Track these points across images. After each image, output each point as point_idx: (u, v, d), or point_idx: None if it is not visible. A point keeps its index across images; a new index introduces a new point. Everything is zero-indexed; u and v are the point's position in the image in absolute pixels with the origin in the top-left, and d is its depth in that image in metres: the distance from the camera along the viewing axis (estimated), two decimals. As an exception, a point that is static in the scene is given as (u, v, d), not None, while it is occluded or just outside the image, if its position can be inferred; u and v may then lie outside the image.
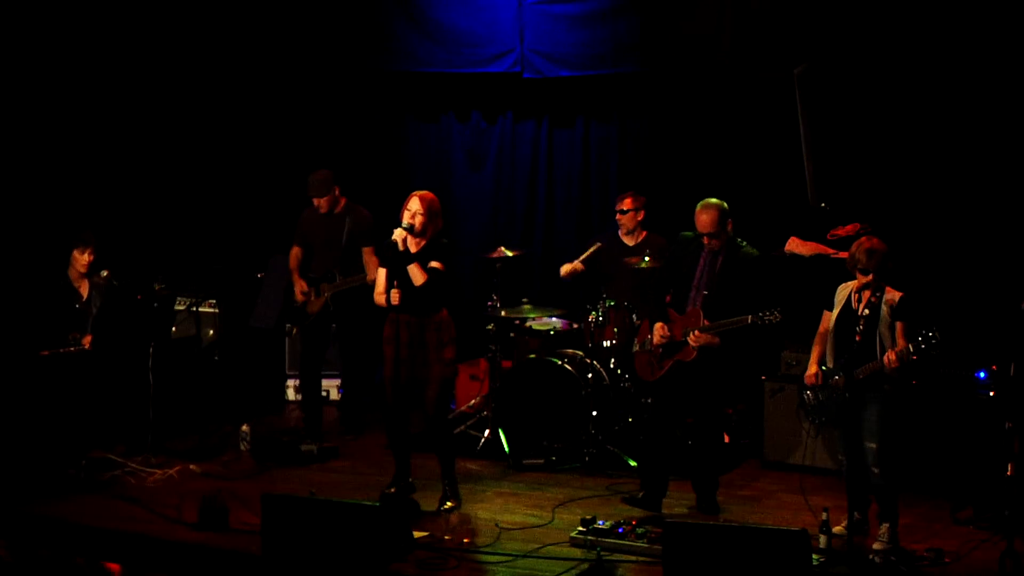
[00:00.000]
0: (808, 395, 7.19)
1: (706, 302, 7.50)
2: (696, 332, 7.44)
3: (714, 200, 7.49)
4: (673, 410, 7.83)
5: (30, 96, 9.89)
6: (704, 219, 7.45)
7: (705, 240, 7.48)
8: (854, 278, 7.02)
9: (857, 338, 6.93)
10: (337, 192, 9.18)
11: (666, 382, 7.69)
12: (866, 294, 6.95)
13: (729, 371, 7.70)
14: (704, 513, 7.66)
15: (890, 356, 6.79)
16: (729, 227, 7.52)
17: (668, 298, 7.70)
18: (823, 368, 7.11)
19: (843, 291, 7.11)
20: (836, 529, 6.98)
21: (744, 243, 7.60)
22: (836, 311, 7.09)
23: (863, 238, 7.03)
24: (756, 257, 7.58)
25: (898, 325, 6.89)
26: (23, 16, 9.81)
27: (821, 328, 7.20)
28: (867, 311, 6.93)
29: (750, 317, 7.30)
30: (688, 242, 7.66)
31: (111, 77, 10.29)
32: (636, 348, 7.94)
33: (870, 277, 6.89)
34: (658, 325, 7.63)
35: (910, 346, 6.74)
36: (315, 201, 9.15)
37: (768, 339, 9.15)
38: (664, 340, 7.59)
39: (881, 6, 8.41)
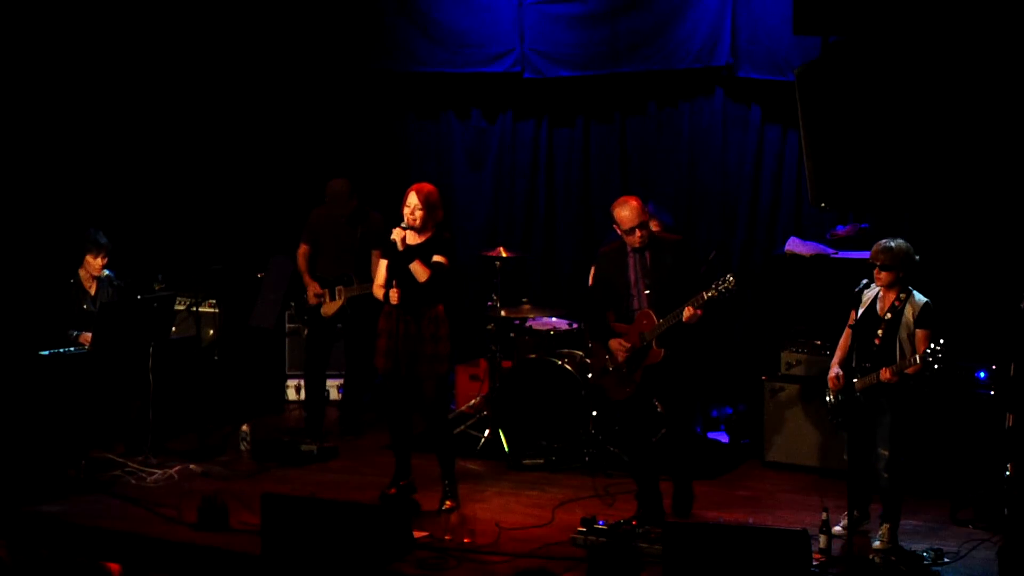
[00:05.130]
0: (830, 394, 7.16)
1: (651, 300, 7.39)
2: (687, 310, 7.20)
3: (627, 196, 7.46)
4: (650, 417, 7.83)
5: (33, 95, 9.90)
6: (626, 214, 7.32)
7: (637, 235, 7.32)
8: (861, 279, 7.00)
9: (876, 342, 6.88)
10: (354, 198, 9.22)
11: (640, 391, 7.56)
12: (890, 297, 6.90)
13: (701, 362, 7.69)
14: (677, 513, 7.60)
15: (884, 373, 6.77)
16: (652, 225, 7.43)
17: (611, 316, 7.59)
18: (846, 370, 7.08)
19: (869, 291, 7.06)
20: (836, 529, 6.97)
21: (661, 235, 7.58)
22: (861, 311, 7.03)
23: (887, 237, 6.98)
24: (679, 241, 7.58)
25: (919, 333, 6.83)
26: (29, 20, 9.81)
27: (848, 328, 7.15)
28: (889, 315, 6.87)
29: (705, 293, 7.17)
30: (610, 255, 7.59)
31: (112, 78, 10.29)
32: (596, 376, 7.78)
33: (885, 275, 6.84)
34: (614, 342, 7.50)
35: (915, 356, 6.71)
36: (340, 216, 9.17)
37: (769, 339, 9.18)
38: (627, 355, 7.47)
39: (881, 5, 8.40)
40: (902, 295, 6.89)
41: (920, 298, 6.89)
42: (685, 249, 7.56)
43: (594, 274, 7.80)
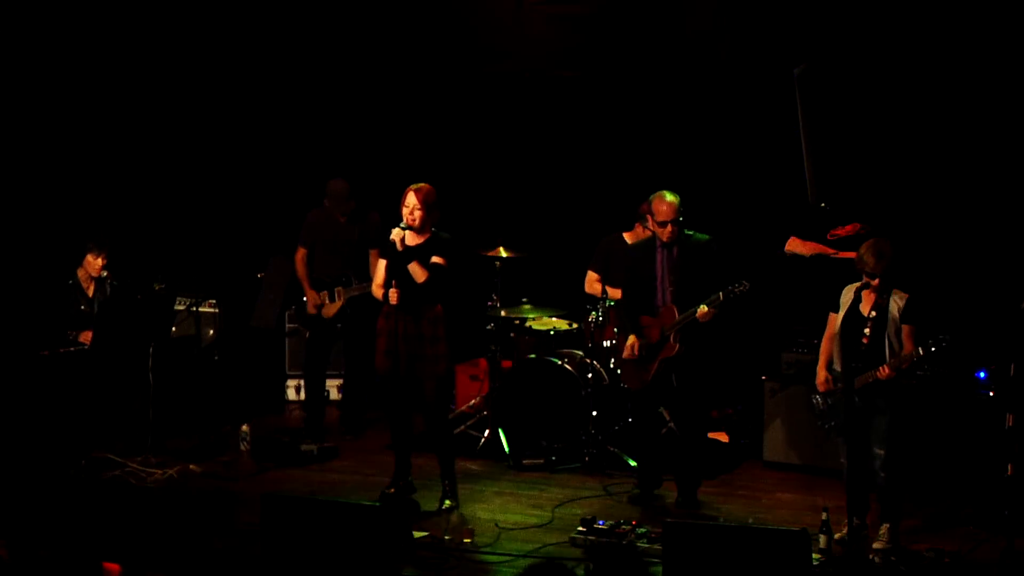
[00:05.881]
0: (817, 400, 7.15)
1: (675, 296, 7.62)
2: (701, 308, 7.46)
3: (667, 191, 7.65)
4: (661, 407, 8.14)
5: (33, 96, 9.89)
6: (663, 208, 7.57)
7: (669, 229, 7.55)
8: (860, 279, 6.97)
9: (864, 340, 6.85)
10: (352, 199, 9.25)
11: (655, 383, 7.78)
12: (872, 296, 6.89)
13: (713, 362, 7.81)
14: (684, 509, 7.69)
15: (883, 370, 6.76)
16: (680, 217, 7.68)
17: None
18: (833, 372, 7.07)
19: (849, 292, 7.02)
20: (837, 536, 6.94)
21: (693, 232, 7.73)
22: (842, 313, 7.03)
23: (871, 240, 6.95)
24: (708, 241, 7.74)
25: (905, 328, 6.83)
26: (29, 20, 9.81)
27: (828, 331, 7.13)
28: (874, 313, 6.85)
29: (721, 294, 7.44)
30: (638, 247, 7.85)
31: (112, 79, 10.28)
32: (619, 359, 8.06)
33: (876, 281, 6.83)
34: (632, 338, 7.73)
35: (919, 348, 6.70)
36: (339, 217, 9.18)
37: (769, 339, 9.18)
38: (632, 355, 7.71)
39: (881, 5, 8.43)
40: (885, 293, 6.86)
41: (902, 293, 6.88)
42: (713, 248, 7.72)
43: (626, 264, 7.96)
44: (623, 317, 7.86)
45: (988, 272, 8.45)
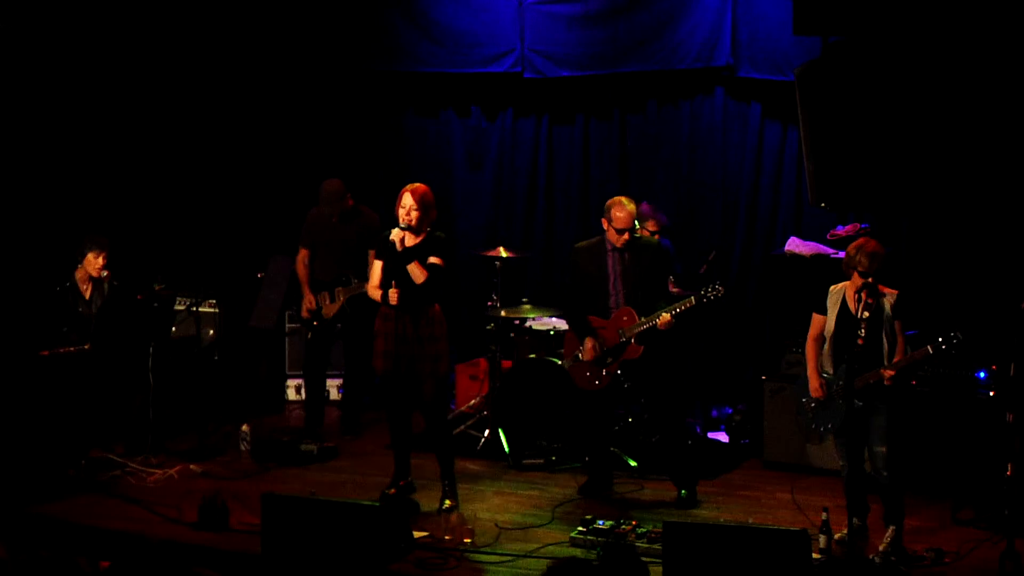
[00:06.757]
0: (808, 403, 7.13)
1: (628, 298, 7.73)
2: (663, 316, 7.56)
3: (625, 198, 7.76)
4: (615, 410, 8.33)
5: (33, 96, 9.89)
6: (623, 216, 7.67)
7: (625, 237, 7.67)
8: (848, 279, 6.96)
9: (859, 342, 6.83)
10: (348, 198, 9.23)
11: (614, 385, 7.87)
12: (863, 295, 6.87)
13: (678, 359, 7.99)
14: (683, 508, 7.72)
15: (886, 373, 6.76)
16: (650, 225, 7.88)
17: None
18: (824, 376, 7.06)
19: (835, 293, 7.02)
20: (837, 536, 6.94)
21: (640, 235, 7.90)
22: (833, 315, 7.01)
23: (862, 239, 6.95)
24: (657, 244, 7.97)
25: (897, 324, 6.85)
26: (29, 21, 9.81)
27: (813, 332, 7.10)
28: (866, 313, 6.84)
29: (693, 298, 7.55)
30: (589, 249, 7.88)
31: (111, 79, 10.28)
32: (568, 363, 8.04)
33: (871, 280, 6.82)
34: (588, 340, 7.77)
35: (929, 346, 6.71)
36: (333, 217, 9.18)
37: (769, 339, 9.17)
38: (596, 354, 7.75)
39: (881, 5, 8.40)
40: (874, 292, 6.84)
41: (890, 290, 6.88)
42: (661, 251, 7.94)
43: (572, 267, 8.05)
44: (577, 322, 7.89)
45: (988, 272, 8.44)
